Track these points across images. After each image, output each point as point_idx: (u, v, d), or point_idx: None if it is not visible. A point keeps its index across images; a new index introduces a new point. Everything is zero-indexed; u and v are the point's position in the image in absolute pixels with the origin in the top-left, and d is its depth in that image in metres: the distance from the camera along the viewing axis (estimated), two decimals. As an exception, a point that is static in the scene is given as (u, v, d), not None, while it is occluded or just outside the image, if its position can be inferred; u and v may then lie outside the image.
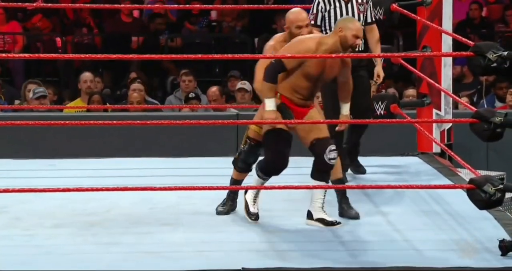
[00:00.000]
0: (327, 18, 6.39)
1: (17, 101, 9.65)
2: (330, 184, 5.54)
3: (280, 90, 5.42)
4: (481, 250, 5.09)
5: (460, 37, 5.71)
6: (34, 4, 10.73)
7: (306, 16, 5.66)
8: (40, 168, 7.01)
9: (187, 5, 11.68)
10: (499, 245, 4.94)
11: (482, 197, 5.04)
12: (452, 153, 6.60)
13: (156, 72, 11.31)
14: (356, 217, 5.62)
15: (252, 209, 5.58)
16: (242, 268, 4.76)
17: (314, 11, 6.43)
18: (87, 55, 6.81)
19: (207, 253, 5.00)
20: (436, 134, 7.20)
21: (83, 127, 8.08)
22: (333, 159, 5.45)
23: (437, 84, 7.02)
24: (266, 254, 5.01)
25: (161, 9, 11.63)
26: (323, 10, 6.41)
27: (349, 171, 6.65)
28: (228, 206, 5.72)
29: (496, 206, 5.22)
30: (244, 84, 9.45)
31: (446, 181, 6.48)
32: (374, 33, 6.47)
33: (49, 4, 11.48)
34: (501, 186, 5.05)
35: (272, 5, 11.36)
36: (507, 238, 5.11)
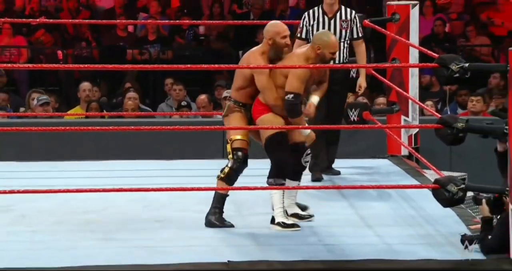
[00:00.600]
0: (310, 32, 6.40)
1: (22, 109, 9.62)
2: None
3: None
4: (445, 243, 5.10)
5: (425, 50, 5.73)
6: (38, 20, 10.71)
7: (286, 27, 5.53)
8: (43, 170, 6.98)
9: (177, 21, 11.67)
10: (461, 239, 4.95)
11: (446, 196, 5.04)
12: (419, 156, 6.62)
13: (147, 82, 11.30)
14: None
15: (289, 222, 5.34)
16: (228, 261, 4.75)
17: (301, 25, 6.45)
18: (86, 66, 6.81)
19: (196, 248, 4.99)
20: (404, 139, 7.21)
21: (82, 133, 8.05)
22: (308, 161, 5.48)
23: (405, 93, 7.03)
24: (250, 248, 5.00)
25: (153, 26, 11.60)
26: (307, 24, 6.43)
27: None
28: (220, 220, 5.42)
29: (458, 203, 5.23)
30: (229, 93, 9.41)
31: (413, 181, 6.49)
32: (361, 48, 6.46)
33: (51, 20, 11.52)
34: (463, 186, 5.05)
35: (255, 21, 11.37)
36: (468, 232, 5.12)
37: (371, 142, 7.76)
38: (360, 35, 6.53)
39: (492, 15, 12.26)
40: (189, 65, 5.67)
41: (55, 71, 11.17)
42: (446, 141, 5.18)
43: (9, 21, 11.41)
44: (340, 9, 6.50)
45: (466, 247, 4.90)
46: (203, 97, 9.56)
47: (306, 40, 6.34)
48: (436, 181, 5.13)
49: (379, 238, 5.21)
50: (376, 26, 6.95)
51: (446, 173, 5.65)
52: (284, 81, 5.31)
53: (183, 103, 9.51)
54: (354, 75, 6.63)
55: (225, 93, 9.50)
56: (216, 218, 5.37)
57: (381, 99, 9.14)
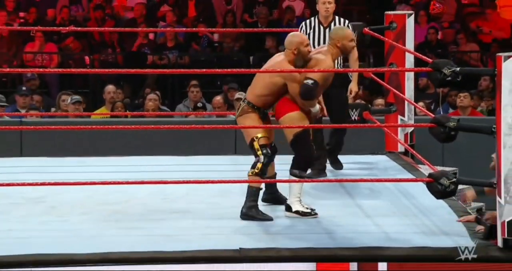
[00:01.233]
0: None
1: (52, 109, 9.63)
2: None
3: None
4: (438, 232, 5.07)
5: (420, 55, 5.70)
6: (67, 29, 10.71)
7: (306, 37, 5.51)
8: (71, 165, 6.97)
9: (194, 29, 11.67)
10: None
11: (439, 189, 5.02)
12: (414, 152, 6.60)
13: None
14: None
15: (306, 210, 5.32)
16: (240, 248, 4.73)
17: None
18: (111, 70, 6.84)
19: (210, 236, 4.97)
20: (400, 137, 7.18)
21: (107, 131, 8.04)
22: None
23: (401, 95, 7.00)
24: (260, 236, 4.98)
25: (171, 33, 11.60)
26: (304, 32, 6.39)
27: (330, 167, 6.61)
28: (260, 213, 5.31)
29: (450, 195, 5.20)
30: (241, 95, 9.40)
31: (409, 175, 6.46)
32: (353, 55, 6.39)
33: (80, 28, 11.53)
34: (454, 179, 5.03)
35: (264, 29, 11.36)
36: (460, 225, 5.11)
37: (370, 139, 7.73)
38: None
39: (481, 24, 12.23)
40: (204, 70, 5.57)
41: (83, 75, 11.18)
42: (439, 139, 5.15)
43: (41, 29, 11.43)
44: (334, 19, 6.45)
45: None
46: (218, 98, 9.58)
47: None
48: (430, 175, 5.11)
49: (377, 227, 5.19)
50: (375, 34, 6.93)
51: (439, 168, 5.62)
52: None
53: (199, 104, 9.53)
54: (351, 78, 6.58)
55: (238, 95, 9.49)
56: (255, 211, 5.28)
57: (380, 101, 9.12)
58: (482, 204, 6.26)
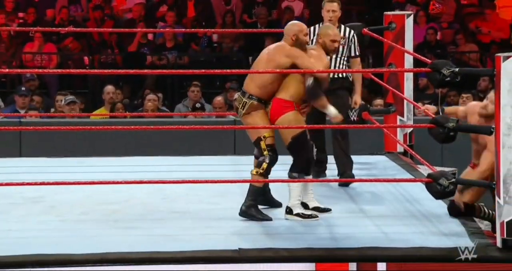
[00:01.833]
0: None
1: (52, 110, 9.63)
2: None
3: (295, 100, 5.30)
4: (437, 232, 5.08)
5: (419, 56, 5.71)
6: (66, 29, 10.72)
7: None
8: (70, 165, 6.98)
9: (193, 29, 11.68)
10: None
11: (438, 189, 5.03)
12: (413, 152, 6.59)
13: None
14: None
15: (308, 212, 5.29)
16: (239, 248, 4.74)
17: None
18: (110, 71, 6.83)
19: (210, 236, 4.97)
20: (400, 137, 7.19)
21: (106, 131, 8.04)
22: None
23: (401, 95, 7.00)
24: (259, 237, 4.99)
25: (170, 34, 11.60)
26: (308, 39, 6.33)
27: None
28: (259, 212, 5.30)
29: (449, 196, 5.22)
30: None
31: (408, 176, 6.46)
32: (357, 65, 6.34)
33: (79, 29, 11.52)
34: (453, 180, 5.04)
35: (264, 29, 11.37)
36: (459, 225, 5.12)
37: (369, 139, 7.74)
38: (357, 53, 6.40)
39: (480, 25, 12.23)
40: (203, 70, 5.50)
41: (82, 75, 11.18)
42: (438, 139, 5.16)
43: (40, 30, 11.42)
44: (339, 27, 6.36)
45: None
46: (219, 98, 9.59)
47: None
48: (429, 175, 5.11)
49: (376, 227, 5.19)
50: (374, 34, 6.93)
51: (438, 168, 5.63)
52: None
53: (197, 105, 9.52)
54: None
55: (236, 95, 9.48)
56: (255, 211, 5.25)
57: (379, 101, 9.11)
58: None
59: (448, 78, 5.02)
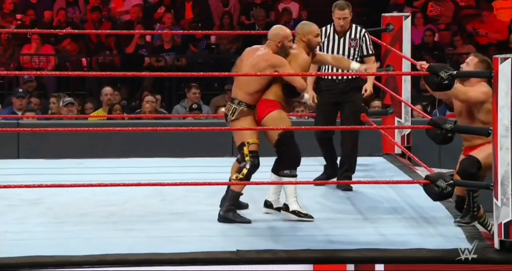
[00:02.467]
0: (321, 49, 6.23)
1: (50, 111, 9.63)
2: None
3: (280, 100, 5.36)
4: (435, 234, 5.08)
5: (414, 61, 5.70)
6: (64, 31, 10.71)
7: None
8: (68, 166, 6.97)
9: (191, 31, 11.68)
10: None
11: (436, 191, 5.04)
12: (411, 154, 6.61)
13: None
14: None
15: (304, 211, 5.31)
16: (237, 249, 4.74)
17: None
18: (108, 73, 6.83)
19: (208, 238, 4.98)
20: (397, 138, 7.19)
21: (104, 133, 8.05)
22: None
23: (398, 97, 7.01)
24: (257, 238, 4.99)
25: (168, 35, 11.60)
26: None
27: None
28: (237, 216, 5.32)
29: (447, 198, 5.23)
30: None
31: (406, 177, 6.47)
32: (371, 64, 6.30)
33: (77, 31, 11.52)
34: (451, 181, 5.04)
35: (261, 31, 11.37)
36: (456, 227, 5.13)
37: (367, 141, 7.74)
38: (370, 52, 6.34)
39: (477, 26, 12.24)
40: (201, 73, 5.62)
41: (80, 77, 11.18)
42: (436, 141, 5.17)
43: (38, 31, 11.41)
44: (350, 28, 6.33)
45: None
46: (219, 98, 9.63)
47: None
48: (427, 177, 5.12)
49: (374, 229, 5.20)
50: (372, 36, 6.93)
51: (436, 170, 5.64)
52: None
53: (194, 106, 9.55)
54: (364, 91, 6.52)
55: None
56: (233, 215, 5.27)
57: (377, 103, 9.13)
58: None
59: (446, 81, 5.02)
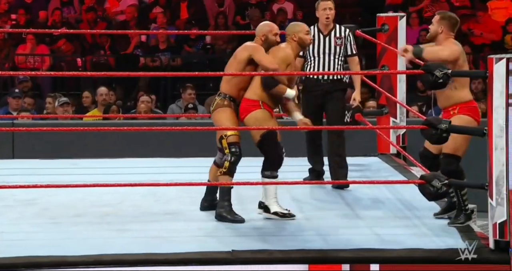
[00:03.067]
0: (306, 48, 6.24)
1: (45, 111, 9.62)
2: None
3: (262, 99, 5.37)
4: (430, 234, 5.09)
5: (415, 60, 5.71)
6: (59, 31, 10.71)
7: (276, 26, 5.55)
8: (64, 167, 6.97)
9: (186, 31, 11.69)
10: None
11: (431, 190, 5.04)
12: (406, 154, 6.61)
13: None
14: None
15: (285, 211, 5.32)
16: (232, 250, 4.74)
17: None
18: (103, 73, 6.82)
19: (203, 238, 4.98)
20: (392, 138, 7.20)
21: (99, 133, 8.04)
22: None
23: (393, 97, 7.02)
24: (253, 238, 4.99)
25: (163, 35, 11.61)
26: None
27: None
28: (231, 214, 5.31)
29: (442, 198, 5.23)
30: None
31: (401, 177, 6.48)
32: (355, 64, 6.37)
33: (72, 31, 11.51)
34: (446, 181, 5.05)
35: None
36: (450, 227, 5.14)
37: (362, 141, 7.75)
38: (354, 52, 6.38)
39: (472, 27, 12.26)
40: (196, 73, 5.62)
41: (75, 77, 11.17)
42: (431, 140, 5.18)
43: (33, 31, 11.41)
44: (334, 27, 6.37)
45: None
46: (213, 98, 9.60)
47: (303, 57, 6.28)
48: (422, 177, 5.12)
49: (369, 229, 5.20)
50: (367, 36, 6.94)
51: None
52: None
53: (190, 105, 9.54)
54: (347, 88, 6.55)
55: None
56: (227, 211, 5.28)
57: (372, 103, 9.14)
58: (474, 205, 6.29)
59: (441, 80, 5.03)
